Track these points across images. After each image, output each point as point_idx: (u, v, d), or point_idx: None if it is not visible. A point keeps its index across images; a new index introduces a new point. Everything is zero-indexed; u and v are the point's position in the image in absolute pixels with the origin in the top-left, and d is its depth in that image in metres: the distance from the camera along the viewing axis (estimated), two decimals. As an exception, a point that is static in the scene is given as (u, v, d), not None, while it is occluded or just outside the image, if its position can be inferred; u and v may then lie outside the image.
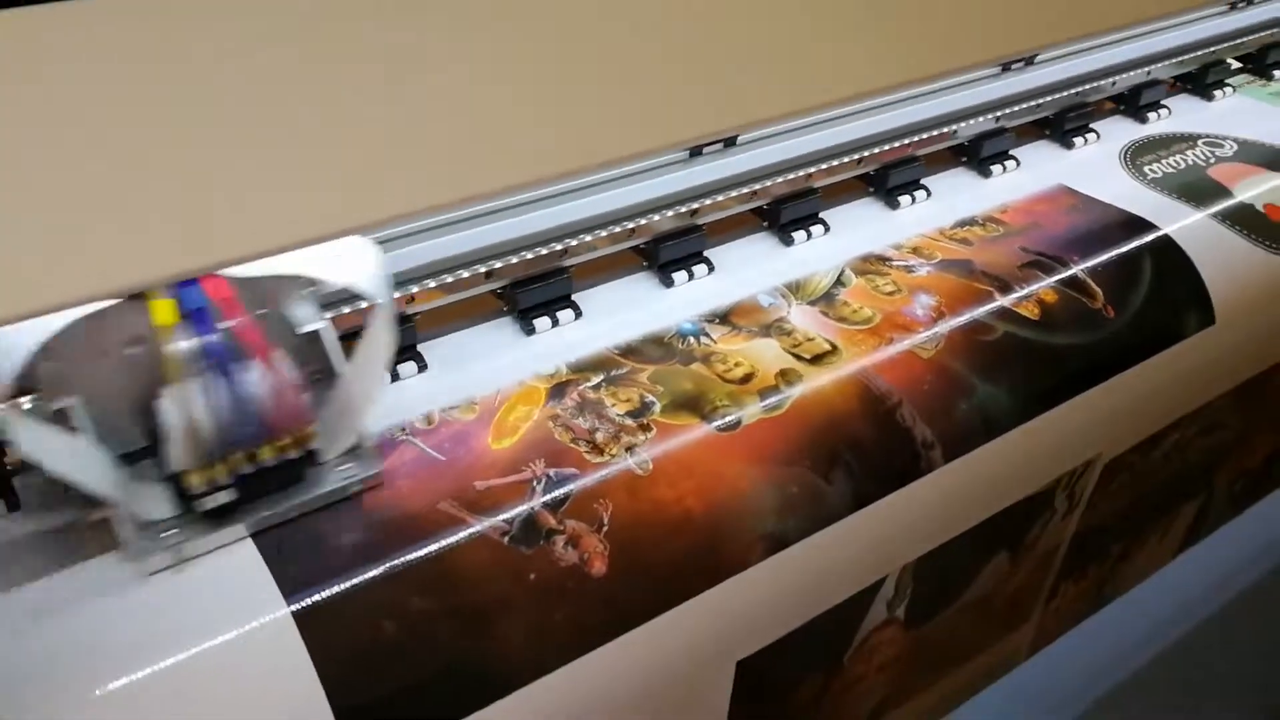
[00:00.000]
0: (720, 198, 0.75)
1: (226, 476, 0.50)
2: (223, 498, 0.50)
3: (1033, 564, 0.80)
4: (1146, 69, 1.01)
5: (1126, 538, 0.90)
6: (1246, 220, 0.86)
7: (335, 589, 0.50)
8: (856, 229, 0.81)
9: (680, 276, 0.73)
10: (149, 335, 0.48)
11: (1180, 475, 0.90)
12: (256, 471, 0.51)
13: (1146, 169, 0.90)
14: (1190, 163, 0.92)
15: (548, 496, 0.55)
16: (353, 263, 0.52)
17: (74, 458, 0.47)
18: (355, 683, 0.48)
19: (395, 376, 0.62)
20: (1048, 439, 0.72)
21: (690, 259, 0.73)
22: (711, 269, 0.74)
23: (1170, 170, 0.91)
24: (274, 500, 0.52)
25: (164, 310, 0.48)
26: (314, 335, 0.55)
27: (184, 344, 0.48)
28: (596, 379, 0.63)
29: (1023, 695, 0.85)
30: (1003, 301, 0.73)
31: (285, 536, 0.52)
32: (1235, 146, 0.95)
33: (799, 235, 0.78)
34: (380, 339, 0.51)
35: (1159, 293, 0.78)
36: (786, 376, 0.64)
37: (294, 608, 0.48)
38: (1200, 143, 0.96)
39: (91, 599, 0.48)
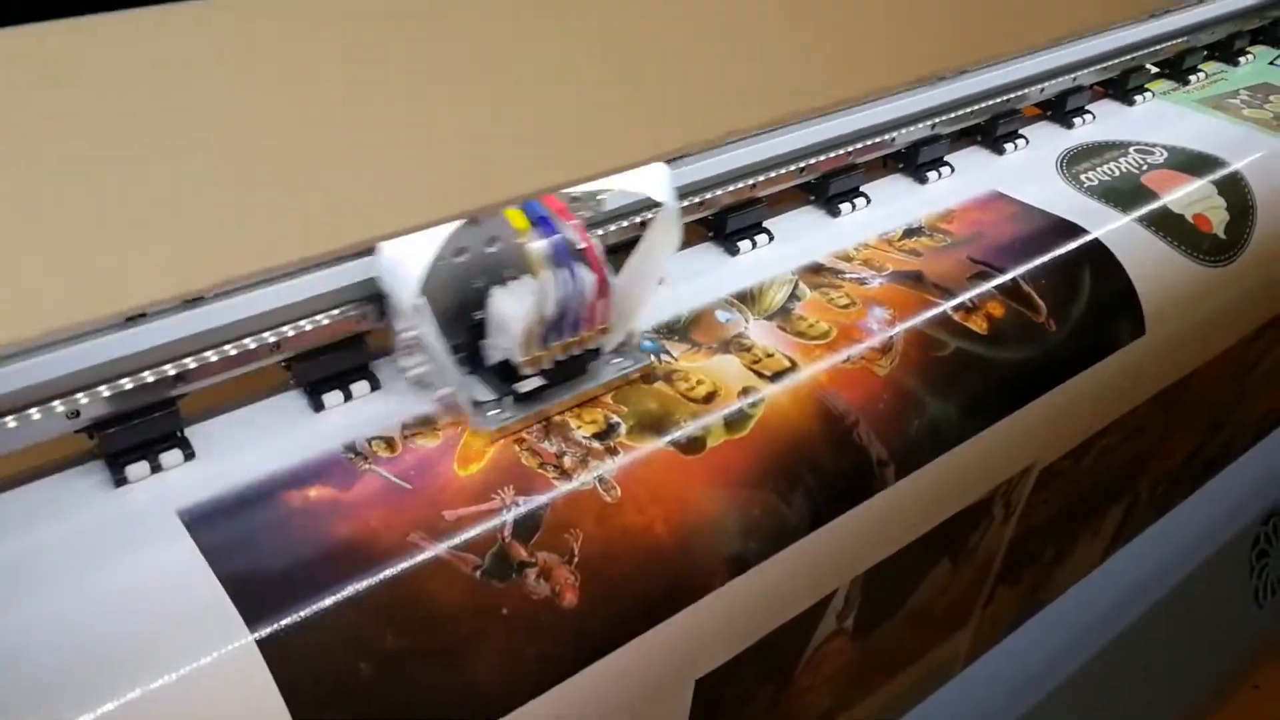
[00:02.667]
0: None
1: (546, 363, 0.60)
2: (536, 382, 0.60)
3: (972, 570, 0.82)
4: (1073, 75, 1.03)
5: (1059, 541, 0.94)
6: (1177, 230, 0.89)
7: (306, 624, 0.49)
8: (800, 237, 0.81)
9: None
10: (505, 236, 0.61)
11: (1107, 479, 0.94)
12: (562, 361, 0.61)
13: (1083, 176, 0.93)
14: (1124, 170, 0.95)
15: (518, 527, 0.55)
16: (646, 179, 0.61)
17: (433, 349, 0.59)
18: (326, 716, 0.48)
19: (348, 395, 0.61)
20: (989, 451, 0.74)
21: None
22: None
23: (1105, 178, 0.93)
24: (568, 386, 0.62)
25: (518, 217, 0.58)
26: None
27: (536, 243, 0.58)
28: (560, 400, 0.62)
29: (960, 707, 0.88)
30: (954, 317, 0.74)
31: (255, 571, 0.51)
32: (1165, 153, 0.98)
33: (744, 244, 0.78)
34: (666, 241, 0.62)
35: (1096, 304, 0.81)
36: (749, 396, 0.65)
37: (258, 638, 0.48)
38: (1131, 150, 0.98)
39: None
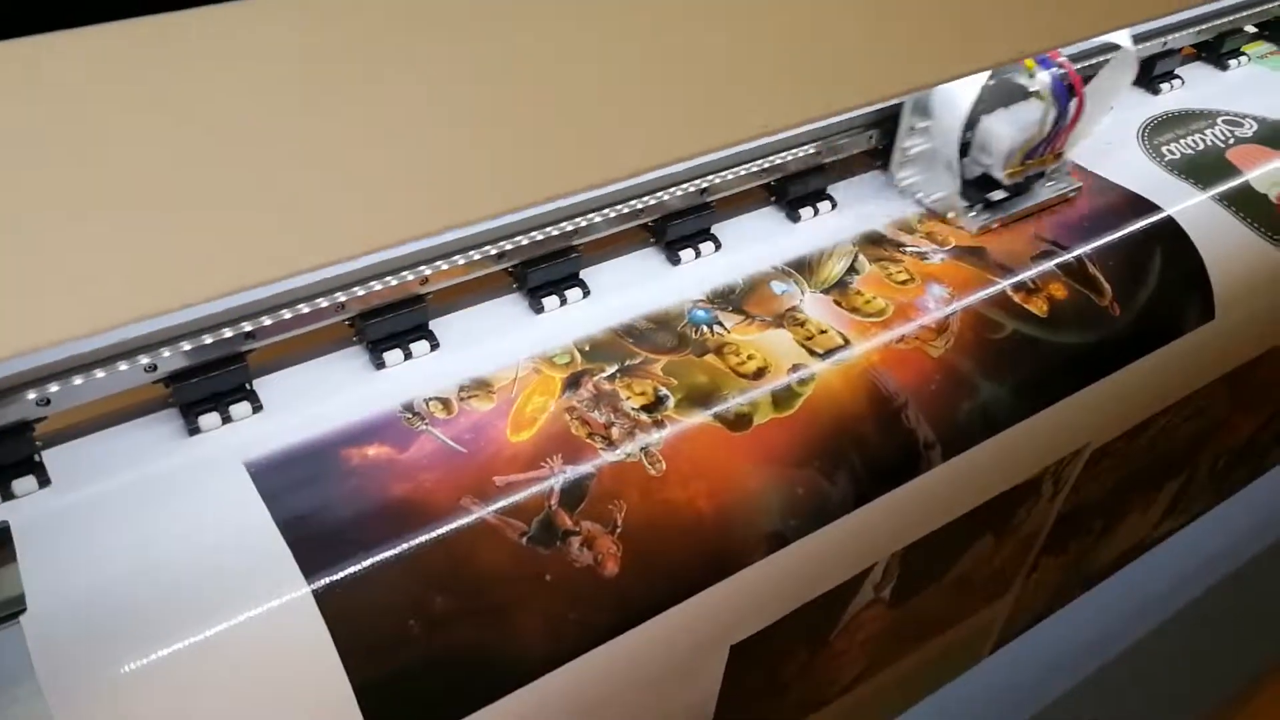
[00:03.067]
0: (729, 175, 0.74)
1: (1019, 178, 0.77)
2: (1000, 194, 0.79)
3: (1016, 543, 0.83)
4: (1163, 40, 0.99)
5: (1109, 515, 0.94)
6: (1257, 211, 0.86)
7: (360, 578, 0.52)
8: (862, 204, 0.80)
9: (688, 254, 0.73)
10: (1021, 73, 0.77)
11: (1165, 456, 0.93)
12: (1022, 179, 0.78)
13: (1164, 149, 0.90)
14: (1209, 143, 0.92)
15: (565, 496, 0.57)
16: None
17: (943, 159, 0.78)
18: (376, 670, 0.51)
19: (408, 355, 0.63)
20: (1040, 434, 0.74)
21: (698, 236, 0.73)
22: (719, 246, 0.74)
23: (1188, 151, 0.90)
24: (1019, 200, 0.79)
25: (1029, 62, 0.76)
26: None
27: (1042, 74, 0.75)
28: (611, 369, 0.63)
29: (999, 681, 0.89)
30: (1014, 299, 0.74)
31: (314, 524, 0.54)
32: (1255, 125, 0.95)
33: (805, 211, 0.78)
34: (1120, 82, 0.79)
35: (1164, 289, 0.79)
36: (798, 374, 0.65)
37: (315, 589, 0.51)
38: (1220, 120, 0.95)
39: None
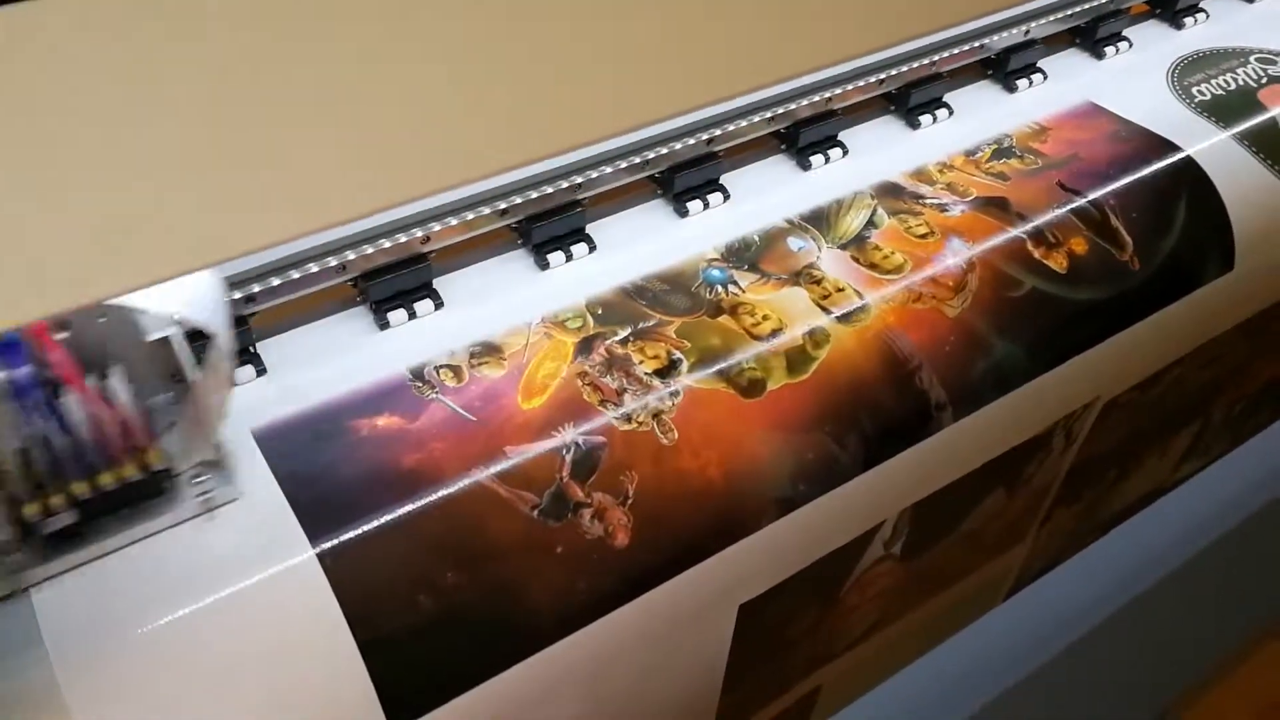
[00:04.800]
0: (739, 124, 0.72)
1: (64, 504, 0.48)
2: (65, 520, 0.48)
3: (1028, 496, 0.83)
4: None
5: (1122, 463, 0.93)
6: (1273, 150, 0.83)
7: (369, 546, 0.52)
8: (877, 151, 0.78)
9: (695, 206, 0.71)
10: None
11: (1179, 405, 0.92)
12: (98, 495, 0.49)
13: (1195, 90, 0.87)
14: (1241, 83, 0.88)
15: (576, 468, 0.56)
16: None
17: None
18: (382, 633, 0.51)
19: (412, 314, 0.62)
20: (1053, 389, 0.73)
21: (705, 187, 0.71)
22: (727, 197, 0.72)
23: (1219, 92, 0.87)
24: (124, 519, 0.50)
25: None
26: (164, 341, 0.51)
27: None
28: (624, 332, 0.62)
29: (1004, 634, 0.90)
30: (1035, 254, 0.72)
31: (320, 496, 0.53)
32: (1288, 63, 0.91)
33: (817, 159, 0.76)
34: (220, 370, 0.49)
35: (1186, 240, 0.78)
36: (814, 337, 0.64)
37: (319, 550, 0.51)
38: (1252, 59, 0.91)
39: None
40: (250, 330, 0.58)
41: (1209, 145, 0.82)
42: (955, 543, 0.79)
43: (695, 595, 0.60)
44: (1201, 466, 1.06)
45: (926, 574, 0.80)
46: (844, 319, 0.65)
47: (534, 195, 0.63)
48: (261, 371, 0.58)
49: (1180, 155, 0.80)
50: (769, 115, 0.72)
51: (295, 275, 0.57)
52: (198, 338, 0.52)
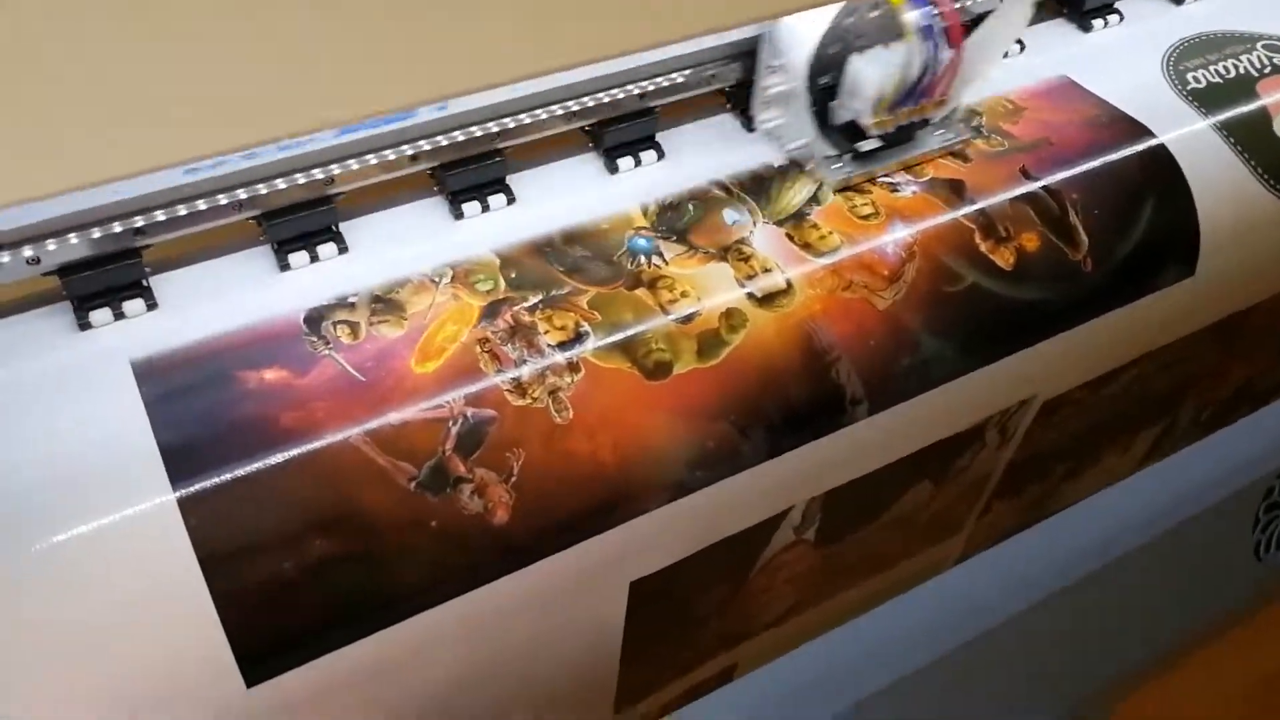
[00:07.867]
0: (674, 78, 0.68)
1: (889, 128, 0.67)
2: (875, 143, 0.68)
3: (960, 489, 0.82)
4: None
5: (1076, 459, 0.92)
6: (1266, 157, 0.79)
7: (232, 506, 0.51)
8: None
9: (626, 163, 0.68)
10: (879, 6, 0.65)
11: (1139, 405, 0.90)
12: (903, 126, 0.68)
13: (1190, 76, 0.82)
14: (1242, 71, 0.83)
15: (461, 441, 0.55)
16: None
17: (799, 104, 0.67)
18: (245, 594, 0.51)
19: (314, 257, 0.60)
20: (980, 388, 0.71)
21: (639, 144, 0.68)
22: (661, 155, 0.69)
23: (1216, 80, 0.82)
24: (898, 151, 0.69)
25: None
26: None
27: (910, 12, 0.64)
28: (534, 299, 0.60)
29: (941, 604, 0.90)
30: (981, 247, 0.69)
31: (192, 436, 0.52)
32: (1297, 52, 0.86)
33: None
34: (1016, 22, 0.68)
35: (1147, 243, 0.75)
36: (731, 320, 0.62)
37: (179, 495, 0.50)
38: (1259, 45, 0.86)
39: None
40: (142, 263, 0.56)
41: (1189, 138, 0.78)
42: (880, 529, 0.79)
43: (579, 571, 0.60)
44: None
45: (850, 559, 0.80)
46: (765, 302, 0.63)
47: (444, 142, 0.60)
48: (152, 306, 0.57)
49: (1157, 148, 0.76)
50: (710, 71, 0.68)
51: (184, 211, 0.55)
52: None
